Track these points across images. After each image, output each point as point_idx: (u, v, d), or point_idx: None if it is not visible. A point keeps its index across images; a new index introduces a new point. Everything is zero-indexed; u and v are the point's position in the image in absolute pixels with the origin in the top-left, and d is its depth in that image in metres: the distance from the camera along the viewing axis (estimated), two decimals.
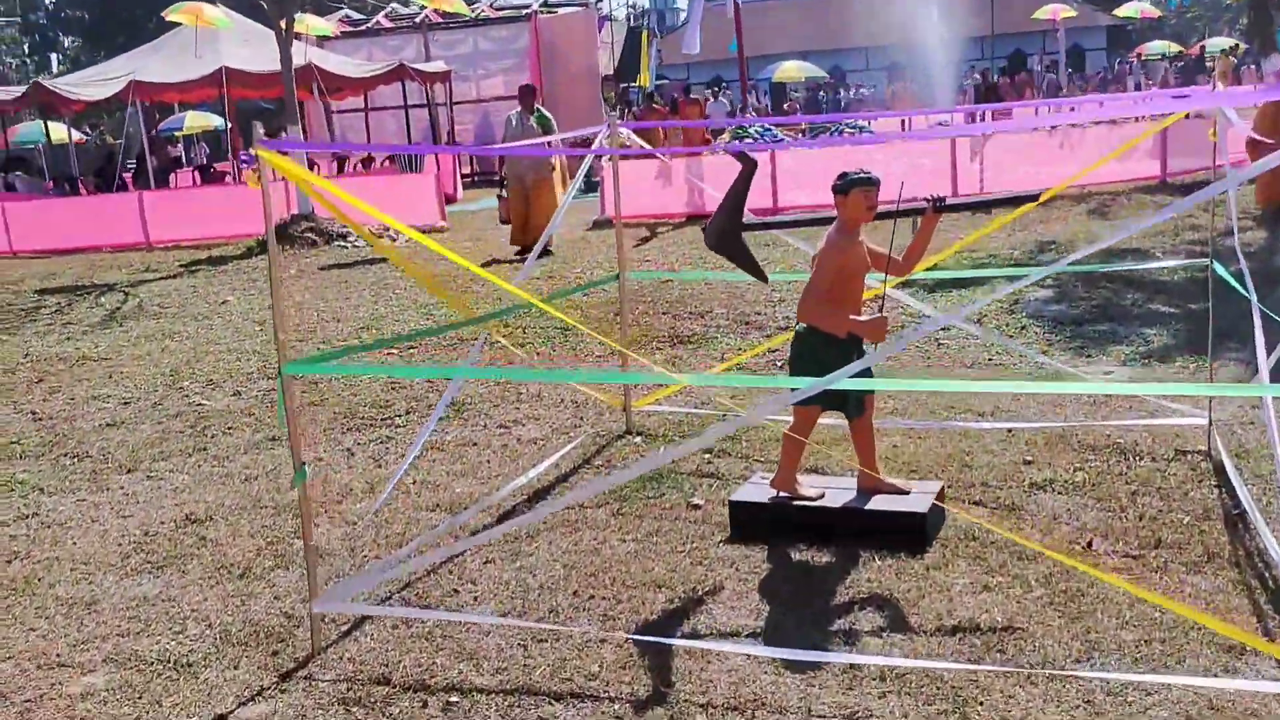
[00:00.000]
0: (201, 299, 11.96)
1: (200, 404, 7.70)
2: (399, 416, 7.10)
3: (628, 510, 5.29)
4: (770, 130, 18.31)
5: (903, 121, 25.11)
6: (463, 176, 24.45)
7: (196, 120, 33.92)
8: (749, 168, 4.64)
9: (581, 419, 6.83)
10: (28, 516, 5.69)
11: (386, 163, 23.78)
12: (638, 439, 6.38)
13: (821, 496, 4.84)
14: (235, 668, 4.01)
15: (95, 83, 21.21)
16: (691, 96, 25.56)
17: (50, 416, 7.61)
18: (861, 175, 4.56)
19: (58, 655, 4.17)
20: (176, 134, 34.88)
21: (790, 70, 40.38)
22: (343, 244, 15.30)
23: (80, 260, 16.03)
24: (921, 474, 5.46)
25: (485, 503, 5.43)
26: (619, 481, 5.10)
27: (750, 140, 18.26)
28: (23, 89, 22.04)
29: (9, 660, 4.17)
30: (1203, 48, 43.04)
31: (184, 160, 31.25)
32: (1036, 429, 6.01)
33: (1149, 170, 16.05)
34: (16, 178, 22.09)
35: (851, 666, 3.72)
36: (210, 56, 20.33)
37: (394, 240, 15.50)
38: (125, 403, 7.86)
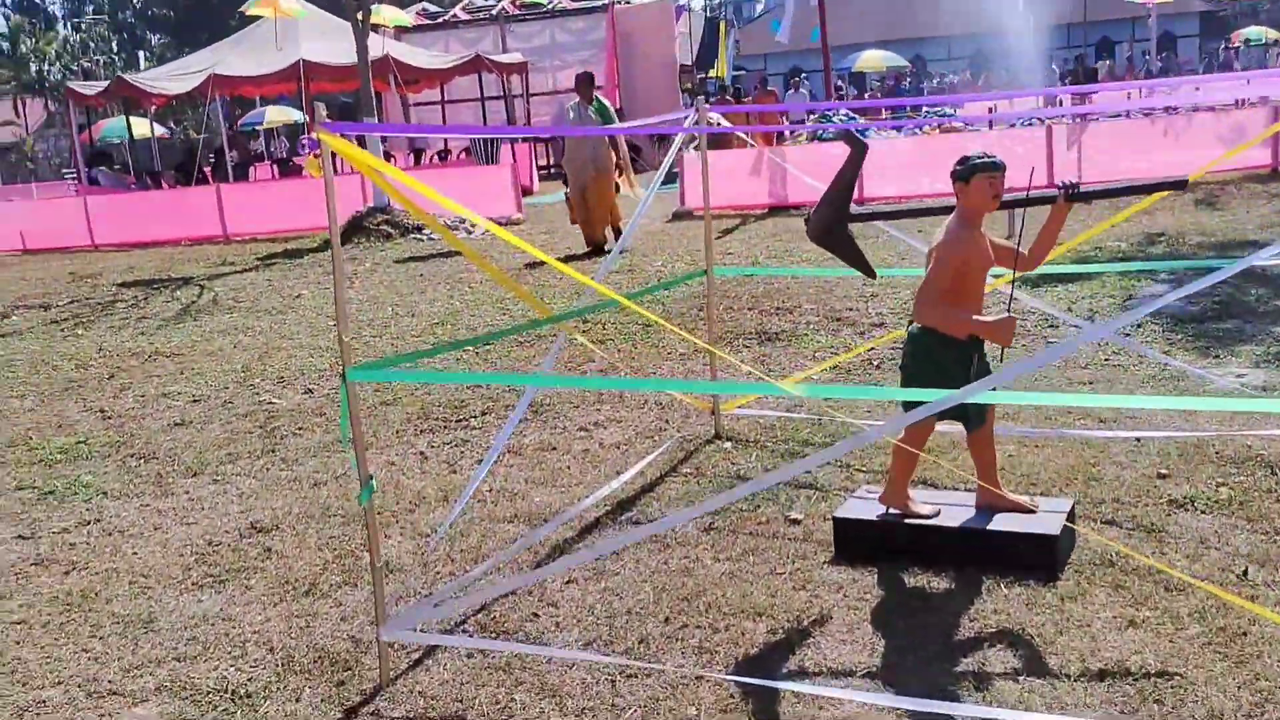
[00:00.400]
0: (276, 293, 11.78)
1: (271, 403, 7.43)
2: (474, 418, 6.76)
3: (720, 525, 4.87)
4: (854, 117, 17.71)
5: (990, 108, 24.30)
6: (539, 168, 24.21)
7: (277, 115, 34.20)
8: (858, 152, 4.18)
9: (667, 422, 6.43)
10: (89, 523, 5.44)
11: (463, 155, 23.61)
12: (728, 444, 5.95)
13: (937, 514, 4.37)
14: (297, 700, 3.68)
15: (176, 77, 21.32)
16: (768, 88, 24.99)
17: (119, 415, 7.41)
18: (985, 159, 4.07)
19: (109, 682, 3.87)
20: (257, 128, 35.23)
21: (872, 59, 39.54)
22: (418, 236, 15.08)
23: (159, 254, 16.04)
24: (1044, 488, 4.96)
25: (566, 515, 5.05)
26: (713, 507, 4.68)
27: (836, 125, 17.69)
28: (105, 84, 22.24)
29: (58, 686, 3.88)
30: None
31: (264, 154, 31.48)
32: (1167, 439, 5.46)
33: (1260, 158, 15.18)
34: (100, 172, 22.32)
35: None
36: (289, 50, 20.31)
37: (470, 233, 15.26)
38: (195, 400, 7.63)
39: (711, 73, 36.51)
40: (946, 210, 4.25)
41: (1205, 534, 4.42)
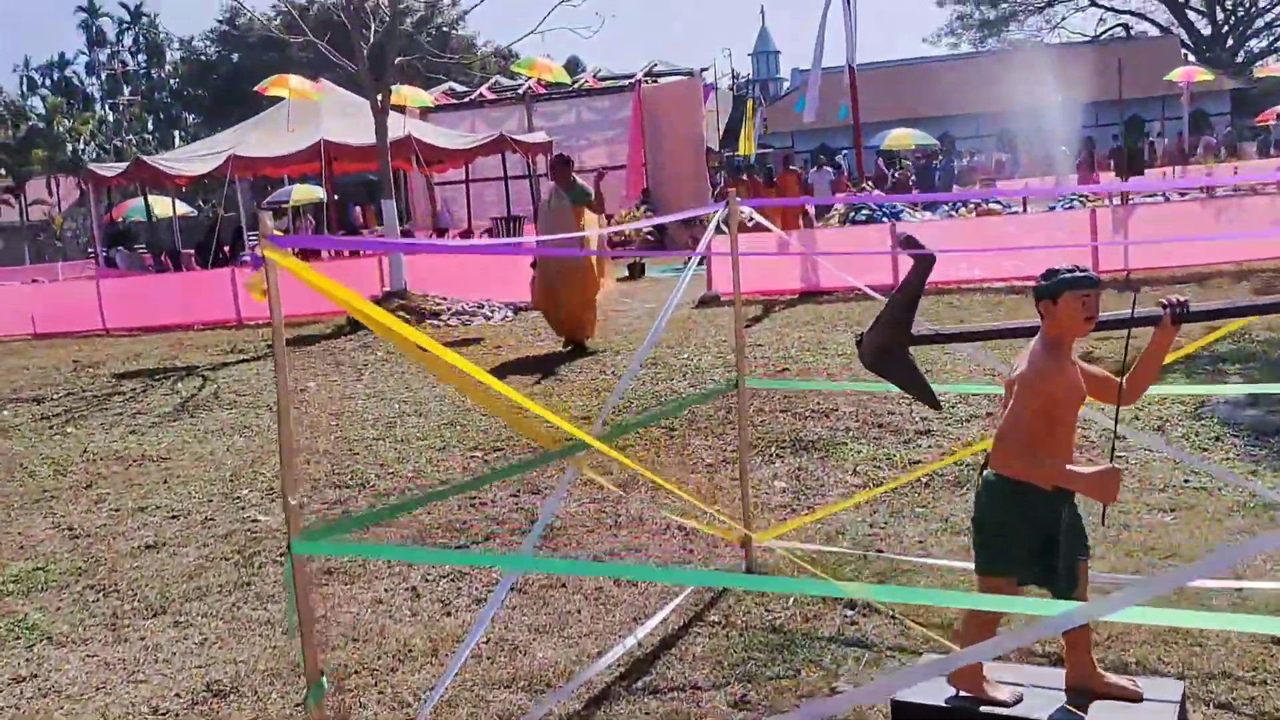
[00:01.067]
0: None
1: (254, 520, 6.74)
2: (476, 544, 6.04)
3: (755, 696, 4.11)
4: (891, 205, 17.10)
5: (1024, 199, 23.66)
6: None
7: (303, 193, 34.01)
8: (924, 264, 3.50)
9: (691, 553, 5.69)
10: (24, 679, 4.74)
11: (484, 235, 23.19)
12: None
13: (1018, 701, 3.60)
14: None
15: (197, 157, 21.05)
16: (791, 167, 24.43)
17: (88, 533, 6.73)
18: (1077, 273, 3.38)
19: None
20: (284, 205, 35.05)
21: (900, 137, 39.09)
22: (436, 323, 14.50)
23: (169, 338, 15.50)
24: (1139, 658, 4.18)
25: (574, 682, 4.30)
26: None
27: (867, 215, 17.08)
28: (124, 165, 22.01)
29: None
30: None
31: (289, 230, 31.22)
32: (1276, 590, 4.68)
33: None
34: (118, 253, 22.00)
35: None
36: (310, 130, 20.01)
37: (489, 318, 14.68)
38: (173, 516, 6.95)
39: (739, 150, 36.19)
40: (1030, 332, 3.56)
41: None
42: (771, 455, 7.37)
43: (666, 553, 5.71)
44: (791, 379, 9.14)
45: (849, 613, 4.79)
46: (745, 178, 24.01)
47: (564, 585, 5.38)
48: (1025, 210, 18.78)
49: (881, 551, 5.50)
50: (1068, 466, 3.29)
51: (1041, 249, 10.88)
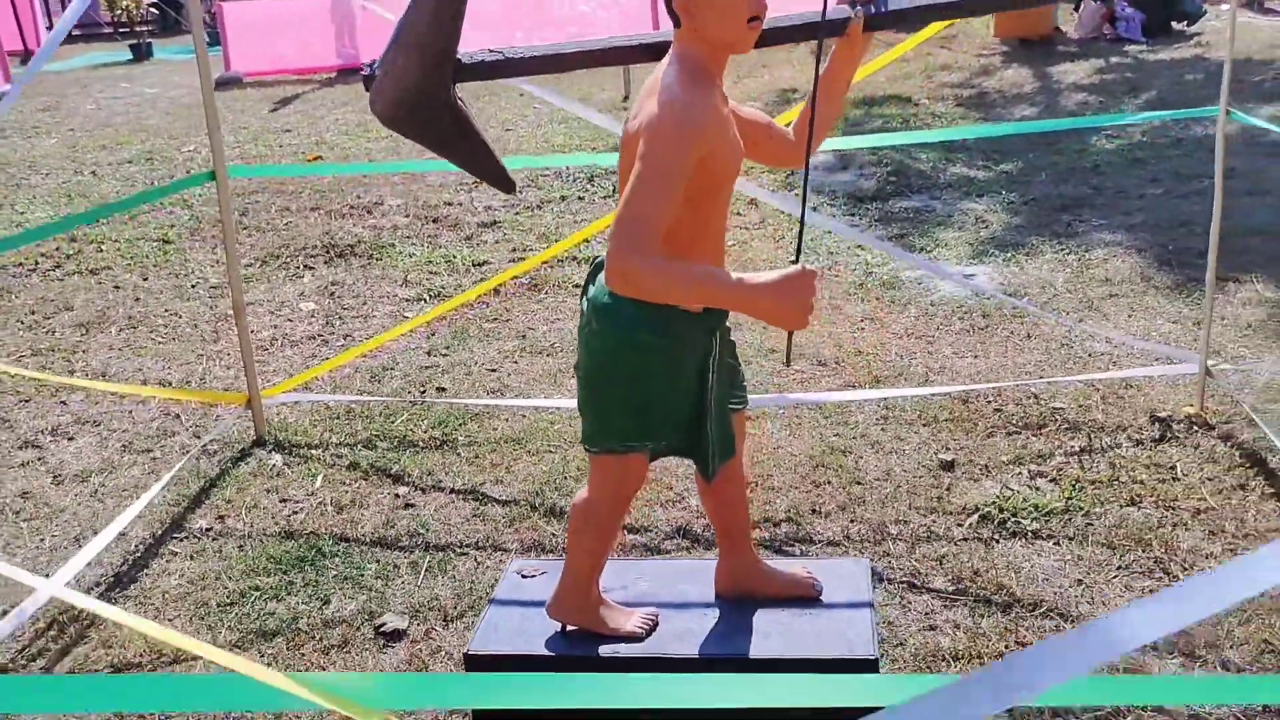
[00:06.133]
0: None
1: None
2: None
3: (287, 631, 2.62)
4: None
5: None
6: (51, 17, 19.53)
7: None
8: None
9: (178, 419, 4.00)
10: None
11: None
12: (276, 458, 3.64)
13: (653, 629, 2.37)
14: None
15: None
16: None
17: None
18: None
19: None
20: None
21: None
22: None
23: None
24: (793, 514, 3.11)
25: None
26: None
27: None
28: None
29: None
30: None
31: None
32: (925, 397, 3.80)
33: None
34: None
35: None
36: None
37: None
38: None
39: None
40: (657, 51, 2.14)
41: (1048, 572, 2.74)
42: (298, 267, 5.69)
43: (140, 424, 3.98)
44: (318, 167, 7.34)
45: (401, 491, 3.38)
46: None
47: None
48: None
49: (443, 390, 4.10)
50: (734, 276, 1.93)
51: None
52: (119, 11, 17.75)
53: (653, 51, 2.15)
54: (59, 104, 11.53)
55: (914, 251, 5.31)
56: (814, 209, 6.10)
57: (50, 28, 19.23)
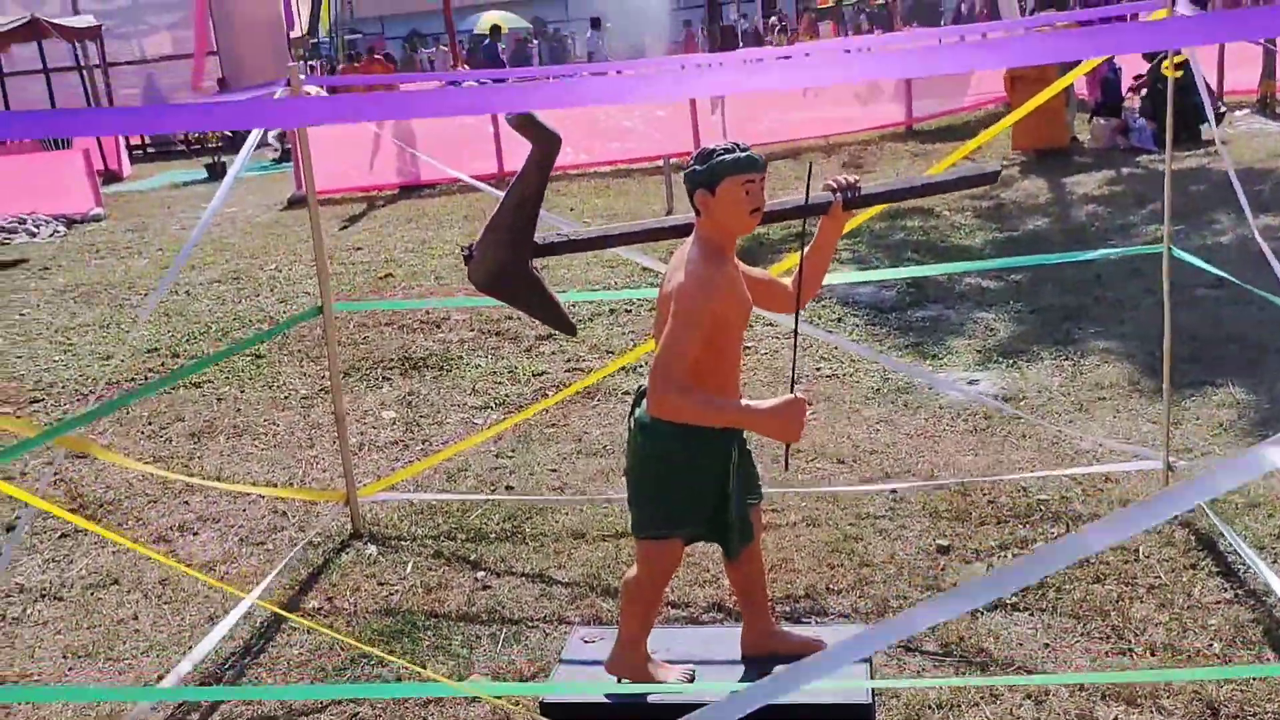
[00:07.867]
0: None
1: None
2: None
3: (368, 714, 3.23)
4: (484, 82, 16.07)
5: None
6: (131, 148, 20.92)
7: None
8: (546, 149, 2.64)
9: (285, 516, 4.66)
10: None
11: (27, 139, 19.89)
12: (371, 549, 4.29)
13: (692, 680, 2.96)
14: None
15: None
16: (376, 56, 22.54)
17: None
18: (739, 154, 2.65)
19: None
20: None
21: (493, 20, 38.01)
22: None
23: None
24: (808, 590, 3.69)
25: None
26: (353, 695, 3.04)
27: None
28: None
29: None
30: None
31: None
32: (928, 489, 4.38)
33: (893, 116, 15.07)
34: None
35: None
36: None
37: (34, 234, 12.42)
38: None
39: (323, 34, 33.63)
40: (682, 231, 2.82)
41: (1023, 638, 3.29)
42: (378, 379, 6.39)
43: (253, 521, 4.65)
44: (394, 297, 8.13)
45: (479, 575, 4.00)
46: (354, 66, 21.99)
47: (116, 582, 4.20)
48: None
49: (512, 489, 4.74)
50: (743, 402, 2.59)
51: None
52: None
53: (679, 231, 2.83)
54: (146, 225, 12.52)
55: (926, 359, 5.92)
56: (838, 319, 6.76)
57: (130, 148, 20.61)
